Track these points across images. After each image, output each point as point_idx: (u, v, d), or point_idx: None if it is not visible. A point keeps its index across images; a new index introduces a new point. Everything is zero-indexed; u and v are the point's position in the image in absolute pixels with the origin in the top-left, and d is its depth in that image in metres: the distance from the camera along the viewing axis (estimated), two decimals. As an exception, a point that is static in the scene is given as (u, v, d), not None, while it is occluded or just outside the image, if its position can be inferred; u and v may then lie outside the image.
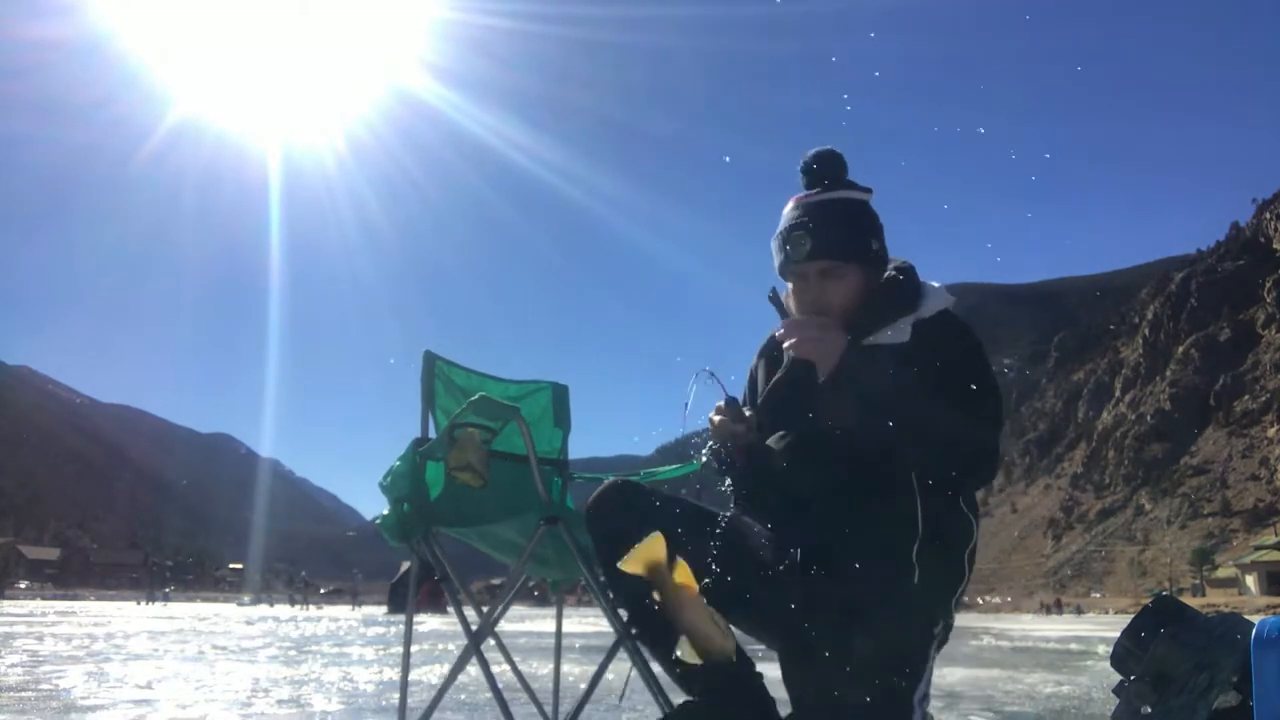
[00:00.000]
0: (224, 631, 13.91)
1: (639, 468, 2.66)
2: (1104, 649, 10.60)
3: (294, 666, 6.98)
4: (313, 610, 44.18)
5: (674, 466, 2.50)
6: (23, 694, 4.61)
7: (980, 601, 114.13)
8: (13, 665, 6.51)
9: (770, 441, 1.97)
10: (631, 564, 1.58)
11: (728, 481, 2.02)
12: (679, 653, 1.57)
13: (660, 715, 2.07)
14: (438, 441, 2.38)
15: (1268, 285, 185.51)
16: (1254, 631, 1.80)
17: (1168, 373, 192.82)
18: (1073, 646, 12.84)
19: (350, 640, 11.69)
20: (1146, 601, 2.69)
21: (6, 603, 46.66)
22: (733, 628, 1.78)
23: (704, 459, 2.08)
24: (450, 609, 2.69)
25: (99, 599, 72.31)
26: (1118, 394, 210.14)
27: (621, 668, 2.23)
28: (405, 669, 2.61)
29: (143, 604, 51.86)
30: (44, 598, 75.50)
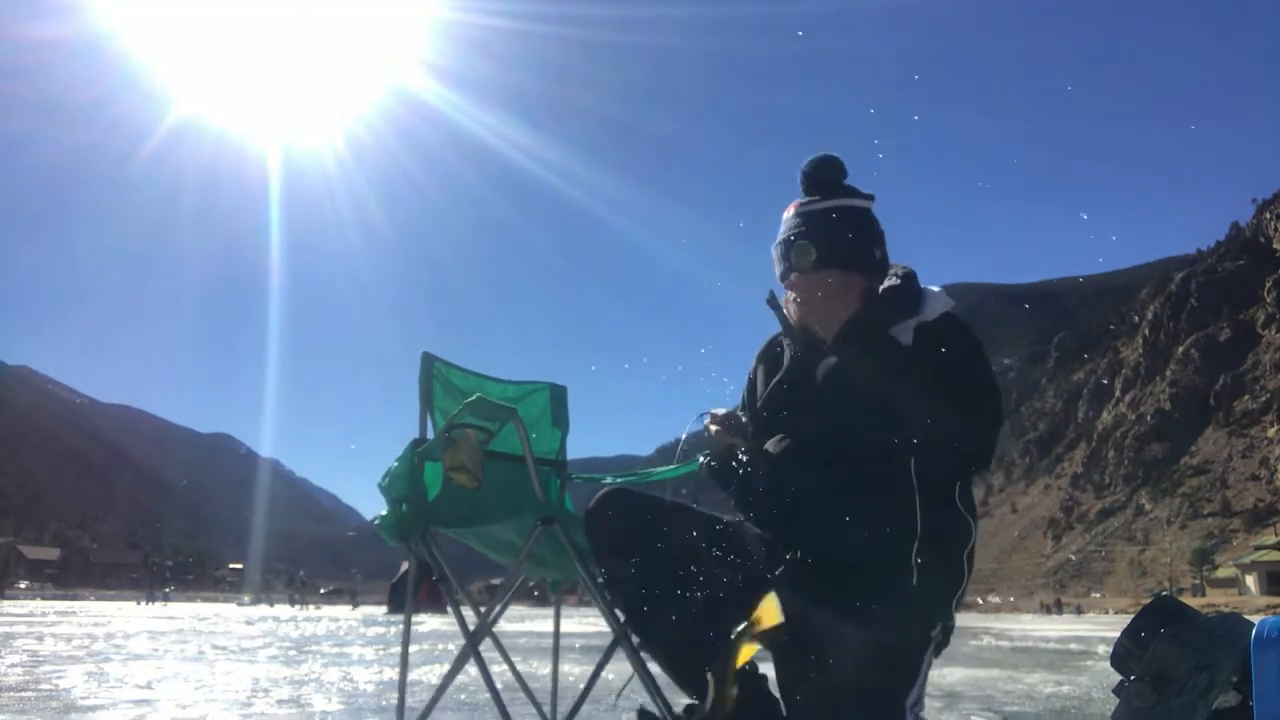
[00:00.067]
0: (224, 631, 13.91)
1: (638, 467, 2.66)
2: (1104, 649, 10.59)
3: (294, 666, 6.97)
4: (312, 610, 44.19)
5: (671, 467, 2.50)
6: (23, 694, 4.61)
7: (980, 602, 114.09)
8: (13, 665, 6.51)
9: (770, 444, 1.97)
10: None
11: (729, 487, 2.03)
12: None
13: (659, 715, 2.07)
14: (435, 442, 2.38)
15: (1268, 285, 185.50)
16: (1254, 631, 1.80)
17: (1168, 373, 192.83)
18: (1073, 646, 12.84)
19: (350, 640, 11.69)
20: (1146, 601, 2.69)
21: (6, 603, 46.65)
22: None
23: (702, 459, 2.08)
24: (450, 609, 2.71)
25: (99, 599, 72.30)
26: (1118, 394, 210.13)
27: (621, 668, 2.23)
28: (404, 669, 2.61)
29: (143, 604, 51.85)
30: (44, 598, 75.47)
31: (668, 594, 1.84)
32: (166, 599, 65.61)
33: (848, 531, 1.79)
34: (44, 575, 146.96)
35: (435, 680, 5.57)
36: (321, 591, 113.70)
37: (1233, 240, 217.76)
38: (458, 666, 2.34)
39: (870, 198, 2.04)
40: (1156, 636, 1.91)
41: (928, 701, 1.88)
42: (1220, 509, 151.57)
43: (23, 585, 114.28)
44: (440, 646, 9.49)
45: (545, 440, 2.85)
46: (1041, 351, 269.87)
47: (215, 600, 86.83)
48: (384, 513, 2.39)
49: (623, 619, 2.08)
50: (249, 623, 18.98)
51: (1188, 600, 4.72)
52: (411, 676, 5.77)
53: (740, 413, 2.08)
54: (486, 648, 2.35)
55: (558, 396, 2.90)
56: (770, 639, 1.46)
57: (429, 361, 2.63)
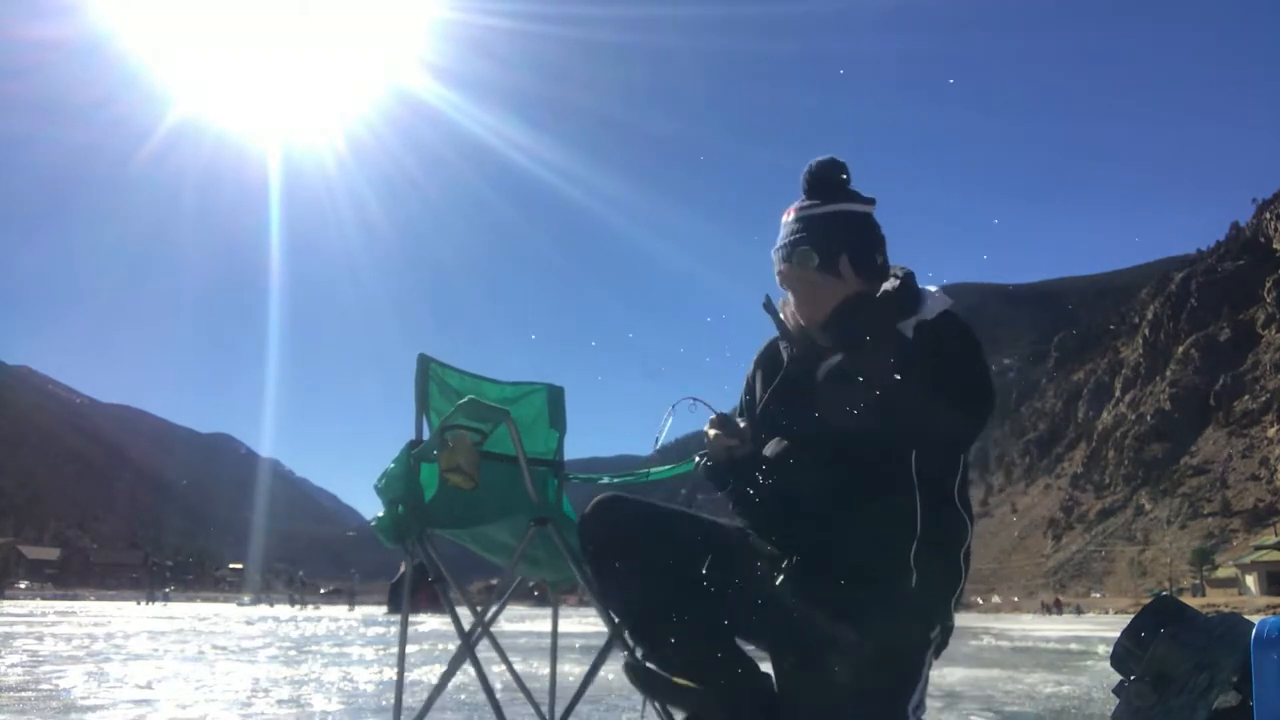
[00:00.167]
0: (224, 631, 13.91)
1: (637, 467, 2.66)
2: (1104, 649, 10.59)
3: (294, 666, 6.98)
4: (311, 610, 44.18)
5: (668, 467, 2.50)
6: (23, 694, 4.61)
7: (980, 602, 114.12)
8: (13, 665, 6.51)
9: (769, 446, 1.97)
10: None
11: (725, 488, 2.03)
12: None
13: (658, 714, 2.08)
14: (430, 443, 2.38)
15: (1268, 285, 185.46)
16: (1254, 631, 1.80)
17: (1168, 373, 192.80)
18: (1073, 646, 12.85)
19: (350, 640, 11.69)
20: (1146, 601, 2.69)
21: (6, 603, 46.65)
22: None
23: (699, 459, 2.08)
24: (447, 610, 2.72)
25: (99, 599, 72.31)
26: (1118, 394, 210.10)
27: (621, 669, 2.23)
28: (401, 670, 2.61)
29: (143, 604, 51.87)
30: (44, 598, 75.49)
31: (663, 603, 1.83)
32: (166, 599, 65.66)
33: (846, 532, 1.79)
34: (44, 575, 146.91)
35: (434, 680, 5.57)
36: (321, 591, 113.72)
37: (1233, 240, 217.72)
38: (453, 667, 2.34)
39: (871, 201, 2.03)
40: (1156, 636, 1.91)
41: (928, 702, 1.87)
42: (1220, 509, 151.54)
43: (23, 585, 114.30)
44: (440, 646, 9.49)
45: (543, 441, 2.85)
46: (1041, 351, 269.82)
47: (215, 600, 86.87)
48: (381, 514, 2.39)
49: (616, 620, 2.08)
50: (249, 623, 18.98)
51: (1188, 600, 4.71)
52: (411, 677, 5.78)
53: (739, 417, 2.07)
54: (486, 648, 2.36)
55: (555, 397, 2.90)
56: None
57: (425, 363, 2.63)
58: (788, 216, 2.04)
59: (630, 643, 2.01)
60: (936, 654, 1.88)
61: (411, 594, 3.08)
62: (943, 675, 6.46)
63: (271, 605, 57.27)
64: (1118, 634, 2.02)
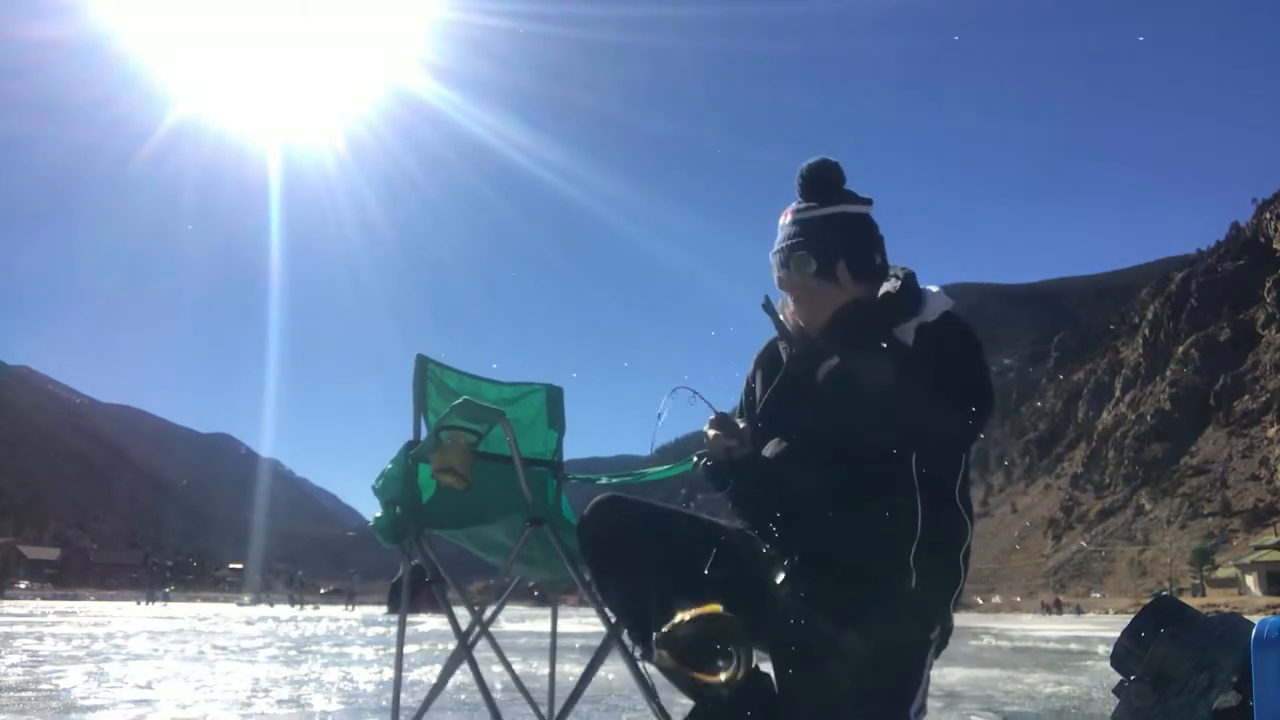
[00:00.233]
0: (224, 631, 13.92)
1: (637, 467, 2.66)
2: (1104, 649, 10.59)
3: (294, 666, 6.98)
4: (311, 610, 44.19)
5: (666, 467, 2.50)
6: (23, 694, 4.61)
7: (980, 602, 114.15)
8: (13, 665, 6.51)
9: (769, 447, 1.97)
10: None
11: (724, 487, 2.02)
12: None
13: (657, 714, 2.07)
14: (426, 444, 2.38)
15: (1268, 285, 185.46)
16: (1254, 631, 1.80)
17: (1168, 373, 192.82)
18: (1073, 646, 12.85)
19: (350, 640, 11.70)
20: (1146, 601, 2.69)
21: (6, 603, 46.66)
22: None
23: (697, 459, 2.07)
24: (444, 610, 2.74)
25: (99, 599, 72.32)
26: (1118, 394, 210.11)
27: (620, 668, 2.23)
28: (398, 670, 2.60)
29: (143, 604, 51.87)
30: (44, 598, 75.50)
31: (662, 603, 1.83)
32: (166, 599, 65.68)
33: (846, 532, 1.79)
34: (44, 575, 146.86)
35: (434, 680, 5.57)
36: (321, 591, 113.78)
37: (1233, 240, 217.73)
38: (450, 668, 2.34)
39: (868, 201, 2.01)
40: (1156, 636, 1.91)
41: (928, 703, 1.87)
42: (1220, 509, 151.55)
43: (23, 585, 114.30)
44: (440, 646, 9.50)
45: (541, 441, 2.85)
46: (1041, 351, 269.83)
47: (215, 600, 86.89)
48: (379, 514, 2.40)
49: (614, 620, 2.08)
50: (249, 623, 18.99)
51: (1188, 600, 4.71)
52: (411, 677, 5.78)
53: (738, 417, 2.07)
54: (486, 648, 2.36)
55: (554, 398, 2.90)
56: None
57: (423, 364, 2.63)
58: (784, 219, 2.03)
59: (629, 643, 2.01)
60: (936, 654, 1.88)
61: (411, 594, 3.08)
62: (943, 675, 6.47)
63: (271, 605, 57.29)
64: (1118, 634, 2.02)
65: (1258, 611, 39.01)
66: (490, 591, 2.72)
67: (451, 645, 2.37)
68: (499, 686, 4.30)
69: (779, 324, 2.04)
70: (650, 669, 2.02)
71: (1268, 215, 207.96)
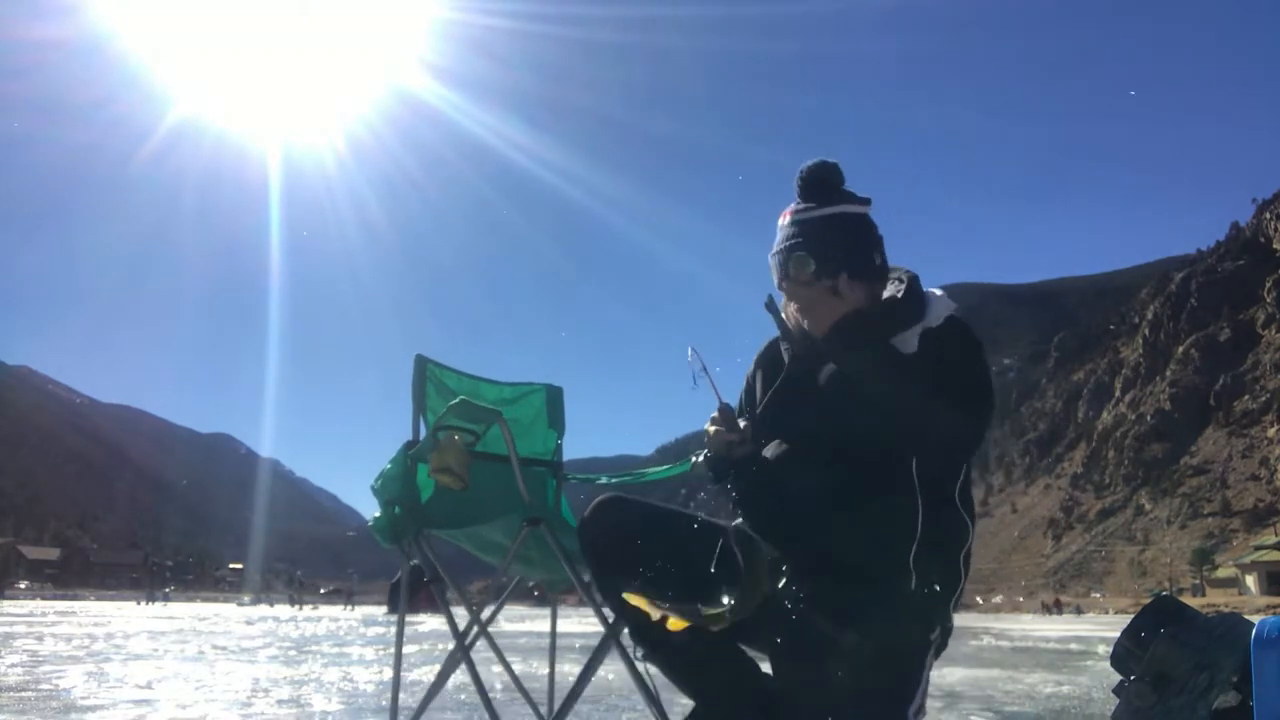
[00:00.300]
0: (224, 631, 13.91)
1: (636, 467, 2.66)
2: (1104, 649, 10.59)
3: (294, 666, 6.97)
4: (311, 610, 44.20)
5: (666, 467, 2.50)
6: (23, 694, 4.61)
7: (980, 602, 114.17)
8: (13, 665, 6.51)
9: (769, 447, 1.97)
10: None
11: (724, 480, 2.02)
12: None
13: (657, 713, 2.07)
14: (425, 444, 2.39)
15: (1268, 285, 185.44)
16: (1254, 631, 1.80)
17: (1168, 373, 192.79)
18: (1073, 646, 12.85)
19: (350, 640, 11.70)
20: (1146, 601, 2.69)
21: (6, 603, 46.66)
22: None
23: (696, 459, 2.07)
24: (443, 611, 2.75)
25: (99, 599, 72.33)
26: (1118, 394, 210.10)
27: (619, 668, 2.23)
28: (397, 670, 2.61)
29: (143, 604, 51.88)
30: (44, 598, 75.49)
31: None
32: (166, 599, 65.69)
33: (846, 533, 1.78)
34: (44, 575, 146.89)
35: (433, 680, 5.57)
36: (321, 591, 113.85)
37: (1233, 240, 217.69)
38: (448, 668, 2.34)
39: (867, 201, 2.00)
40: (1156, 636, 1.91)
41: (928, 703, 1.87)
42: (1220, 509, 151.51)
43: (23, 585, 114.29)
44: (439, 647, 9.50)
45: (541, 441, 2.85)
46: (1041, 351, 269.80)
47: (215, 600, 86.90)
48: (378, 514, 2.40)
49: (613, 620, 2.08)
50: (249, 623, 18.99)
51: (1188, 600, 4.72)
52: (411, 677, 5.77)
53: (739, 417, 2.06)
54: (485, 648, 2.36)
55: (554, 398, 2.90)
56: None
57: (422, 364, 2.63)
58: (783, 220, 2.02)
59: (628, 643, 2.01)
60: (936, 655, 1.88)
61: (410, 594, 3.08)
62: (943, 675, 6.46)
63: (271, 605, 57.30)
64: (1118, 634, 2.02)
65: (1258, 611, 39.01)
66: (489, 591, 2.72)
67: (451, 646, 2.37)
68: (499, 686, 4.30)
69: (781, 324, 2.04)
70: (650, 669, 2.02)
71: (1268, 215, 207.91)
